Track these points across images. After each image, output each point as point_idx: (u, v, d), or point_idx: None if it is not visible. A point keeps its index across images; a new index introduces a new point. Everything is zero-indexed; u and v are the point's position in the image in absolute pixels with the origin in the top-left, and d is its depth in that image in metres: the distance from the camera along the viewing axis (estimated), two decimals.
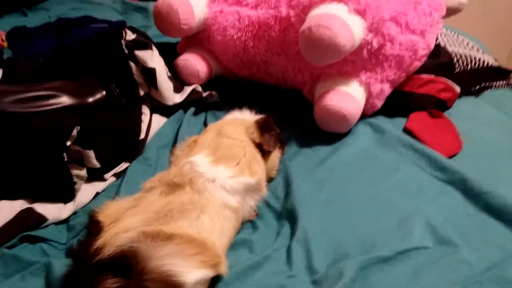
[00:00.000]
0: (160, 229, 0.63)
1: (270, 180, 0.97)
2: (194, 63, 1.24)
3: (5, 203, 0.86)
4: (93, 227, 0.68)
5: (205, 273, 0.64)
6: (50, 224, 0.87)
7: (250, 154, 0.86)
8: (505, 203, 0.83)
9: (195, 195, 0.74)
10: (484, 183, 0.88)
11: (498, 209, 0.83)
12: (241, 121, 0.96)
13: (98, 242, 0.62)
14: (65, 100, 0.98)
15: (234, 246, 0.79)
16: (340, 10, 0.98)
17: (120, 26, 1.12)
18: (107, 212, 0.71)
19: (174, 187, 0.76)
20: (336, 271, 0.70)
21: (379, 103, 1.13)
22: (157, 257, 0.59)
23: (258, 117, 1.00)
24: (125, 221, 0.65)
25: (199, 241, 0.65)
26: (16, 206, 0.85)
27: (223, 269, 0.68)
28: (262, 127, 0.94)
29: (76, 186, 0.89)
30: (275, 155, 0.96)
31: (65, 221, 0.89)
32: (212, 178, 0.77)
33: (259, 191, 0.86)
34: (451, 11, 1.32)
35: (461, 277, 0.72)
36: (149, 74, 1.10)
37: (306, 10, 1.06)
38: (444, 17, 1.29)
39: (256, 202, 0.86)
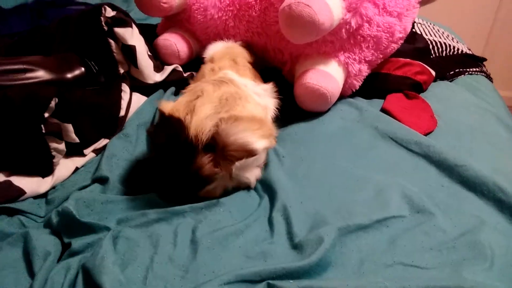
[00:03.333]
0: (232, 114, 0.79)
1: None
2: (175, 42, 1.24)
3: None
4: (174, 119, 0.79)
5: (266, 143, 0.82)
6: (28, 197, 0.85)
7: (254, 72, 1.09)
8: (477, 175, 0.86)
9: (238, 89, 0.91)
10: (458, 157, 0.91)
11: (470, 181, 0.86)
12: (239, 50, 1.15)
13: (192, 131, 0.76)
14: (42, 74, 0.97)
15: (214, 207, 0.80)
16: None
17: (100, 4, 1.11)
18: (171, 109, 0.81)
19: (221, 83, 0.91)
20: (315, 236, 0.72)
21: (357, 84, 1.16)
22: (233, 133, 0.77)
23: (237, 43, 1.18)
24: (201, 111, 0.79)
25: (258, 118, 0.84)
26: None
27: (274, 142, 0.87)
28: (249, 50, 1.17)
29: (54, 160, 0.88)
30: None
31: (44, 195, 0.88)
32: (244, 83, 0.96)
33: (271, 94, 1.03)
34: None
35: (435, 242, 0.74)
36: (129, 51, 1.09)
37: None
38: (421, 4, 1.32)
39: (274, 104, 1.01)
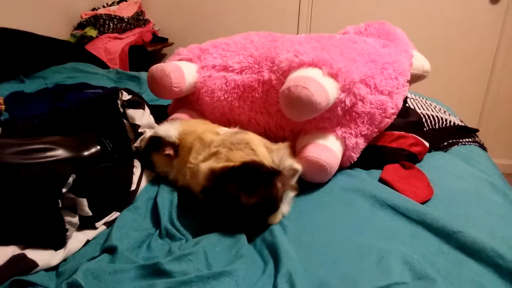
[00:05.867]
0: (275, 147, 1.05)
1: None
2: None
3: None
4: (249, 163, 0.98)
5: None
6: (40, 270, 0.88)
7: None
8: (474, 241, 0.89)
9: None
10: (455, 224, 0.94)
11: (468, 247, 0.89)
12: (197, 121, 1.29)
13: (267, 163, 0.98)
14: (61, 153, 1.04)
15: (220, 276, 0.82)
16: (315, 73, 1.11)
17: (116, 88, 1.22)
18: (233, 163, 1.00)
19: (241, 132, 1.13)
20: None
21: (355, 156, 1.23)
22: (284, 159, 1.00)
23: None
24: (260, 151, 1.02)
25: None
26: (8, 251, 0.87)
27: None
28: None
29: (67, 233, 0.92)
30: None
31: (55, 267, 0.90)
32: None
33: None
34: (416, 78, 1.47)
35: None
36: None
37: (285, 74, 1.19)
38: (410, 82, 1.43)
39: None
